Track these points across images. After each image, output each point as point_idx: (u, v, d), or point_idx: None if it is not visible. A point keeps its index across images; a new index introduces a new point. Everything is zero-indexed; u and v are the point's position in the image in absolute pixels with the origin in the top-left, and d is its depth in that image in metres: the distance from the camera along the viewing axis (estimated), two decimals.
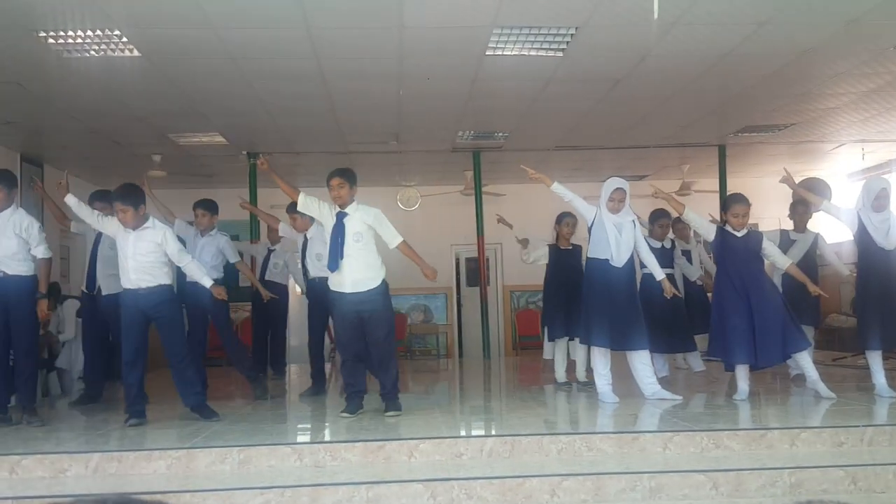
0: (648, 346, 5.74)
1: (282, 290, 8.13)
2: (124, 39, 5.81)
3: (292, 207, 6.38)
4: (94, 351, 6.45)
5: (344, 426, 5.08)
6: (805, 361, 5.70)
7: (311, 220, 6.25)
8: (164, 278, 5.31)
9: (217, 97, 7.43)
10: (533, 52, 6.36)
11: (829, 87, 7.62)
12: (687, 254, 7.58)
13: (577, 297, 5.91)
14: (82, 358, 6.74)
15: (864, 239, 5.75)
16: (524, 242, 7.05)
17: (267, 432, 5.21)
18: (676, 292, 6.09)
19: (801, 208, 6.64)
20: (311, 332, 6.69)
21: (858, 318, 5.94)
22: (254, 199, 9.69)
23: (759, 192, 9.62)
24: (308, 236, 6.50)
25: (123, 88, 7.07)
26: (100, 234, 6.02)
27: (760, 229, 6.56)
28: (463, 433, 5.00)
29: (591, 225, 5.74)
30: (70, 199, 5.58)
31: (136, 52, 6.07)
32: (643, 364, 5.74)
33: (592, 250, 5.74)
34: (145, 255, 5.23)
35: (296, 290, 8.61)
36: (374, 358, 5.39)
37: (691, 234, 7.79)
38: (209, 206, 6.65)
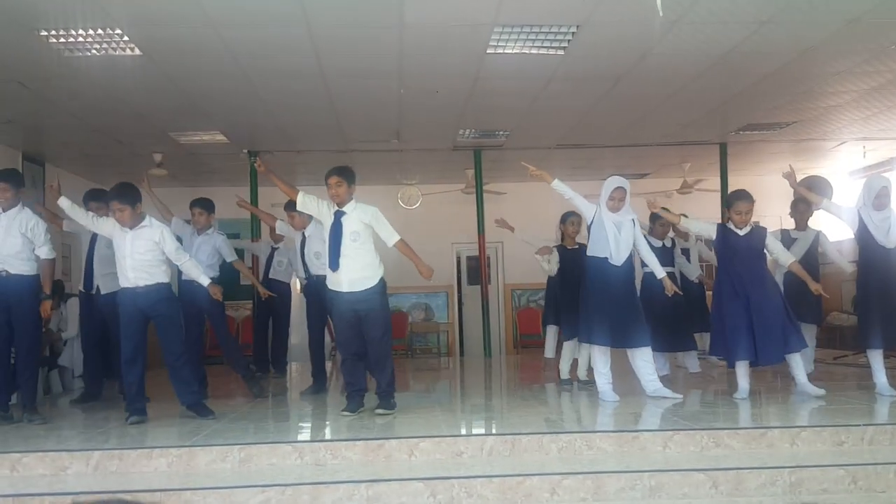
0: (650, 343, 5.75)
1: (285, 289, 8.14)
2: (125, 38, 5.82)
3: (290, 205, 6.37)
4: (93, 350, 6.46)
5: (344, 424, 5.09)
6: (796, 363, 5.67)
7: (310, 218, 6.25)
8: (161, 277, 5.31)
9: (218, 96, 7.44)
10: (534, 51, 6.36)
11: (830, 86, 7.61)
12: (686, 252, 7.58)
13: None
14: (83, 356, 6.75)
15: (864, 237, 5.74)
16: (543, 251, 6.98)
17: (268, 430, 5.23)
18: (678, 290, 6.08)
19: (801, 206, 6.62)
20: (310, 331, 6.69)
21: (859, 317, 5.92)
22: (254, 197, 9.71)
23: (761, 190, 9.54)
24: (306, 234, 6.50)
25: (124, 87, 7.07)
26: (96, 234, 6.01)
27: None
28: (463, 432, 4.99)
29: (591, 223, 5.74)
30: (63, 202, 5.53)
31: (137, 51, 6.07)
32: (644, 361, 5.75)
33: (591, 249, 5.73)
34: (143, 253, 5.24)
35: (296, 286, 8.61)
36: (370, 357, 5.40)
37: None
38: (206, 205, 6.65)
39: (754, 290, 5.57)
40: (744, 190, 5.84)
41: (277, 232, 7.30)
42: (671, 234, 7.22)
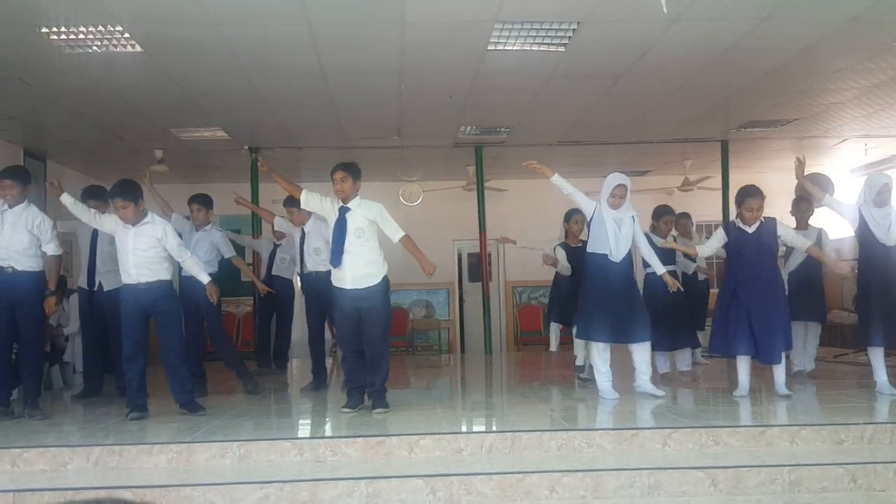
0: (650, 339, 5.74)
1: (288, 286, 8.14)
2: (126, 35, 5.82)
3: (290, 201, 6.38)
4: (92, 347, 6.46)
5: (344, 421, 5.09)
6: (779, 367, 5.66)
7: (309, 214, 6.25)
8: (163, 274, 5.33)
9: (218, 92, 7.44)
10: (535, 47, 6.35)
11: (831, 83, 7.60)
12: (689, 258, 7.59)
13: None
14: None
15: (865, 235, 5.73)
16: (546, 260, 6.98)
17: (267, 427, 5.24)
18: (679, 287, 6.08)
19: (803, 205, 6.61)
20: (309, 327, 6.69)
21: (860, 315, 5.92)
22: (255, 194, 9.70)
23: (762, 187, 9.45)
24: (306, 230, 6.49)
25: (125, 84, 7.08)
26: (97, 231, 6.01)
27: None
28: (463, 429, 5.01)
29: (591, 219, 5.73)
30: (66, 199, 5.50)
31: (137, 48, 6.07)
32: (641, 357, 5.75)
33: (591, 245, 5.73)
34: (145, 250, 5.25)
35: (298, 283, 8.62)
36: (366, 355, 5.36)
37: (693, 229, 7.81)
38: (204, 201, 6.65)
39: (763, 288, 5.55)
40: (754, 186, 5.76)
41: (276, 229, 7.29)
42: (673, 232, 7.21)
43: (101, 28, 5.68)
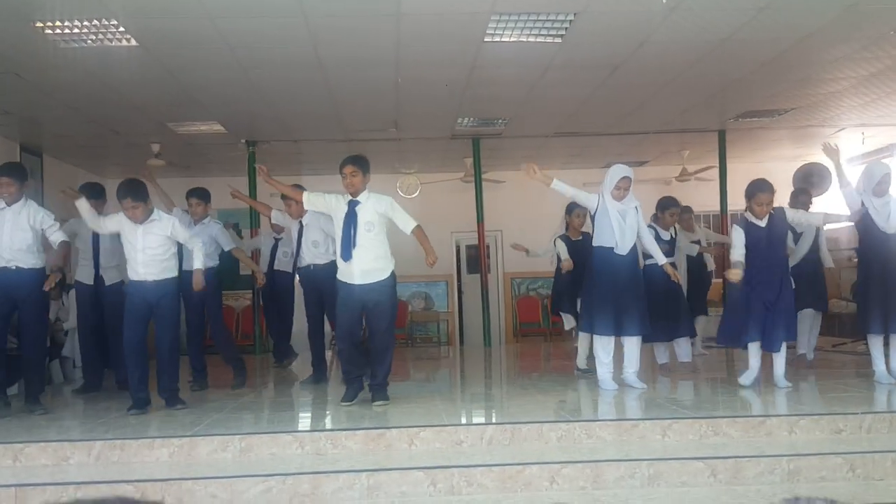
0: (642, 333, 5.74)
1: (289, 280, 8.13)
2: (121, 29, 5.79)
3: None
4: (91, 342, 6.46)
5: (344, 414, 5.11)
6: (781, 353, 5.67)
7: None
8: (171, 272, 5.40)
9: (215, 86, 7.41)
10: (531, 39, 6.33)
11: (828, 72, 7.59)
12: (696, 243, 7.63)
13: None
14: None
15: (865, 223, 5.74)
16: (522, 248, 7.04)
17: (268, 420, 5.26)
18: (679, 278, 6.10)
19: (803, 197, 6.63)
20: (309, 321, 6.69)
21: (859, 303, 5.93)
22: (253, 187, 9.68)
23: (760, 177, 9.60)
24: (303, 223, 6.48)
25: (121, 78, 7.04)
26: None
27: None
28: (463, 421, 5.02)
29: (595, 213, 5.73)
30: (82, 204, 5.49)
31: (133, 42, 6.05)
32: (633, 349, 5.75)
33: (597, 238, 5.74)
34: (155, 248, 5.30)
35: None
36: (371, 347, 5.38)
37: (694, 223, 7.85)
38: (202, 195, 6.65)
39: (774, 282, 5.56)
40: (765, 180, 5.72)
41: (273, 222, 7.28)
42: (675, 225, 7.21)
43: (96, 22, 5.64)
